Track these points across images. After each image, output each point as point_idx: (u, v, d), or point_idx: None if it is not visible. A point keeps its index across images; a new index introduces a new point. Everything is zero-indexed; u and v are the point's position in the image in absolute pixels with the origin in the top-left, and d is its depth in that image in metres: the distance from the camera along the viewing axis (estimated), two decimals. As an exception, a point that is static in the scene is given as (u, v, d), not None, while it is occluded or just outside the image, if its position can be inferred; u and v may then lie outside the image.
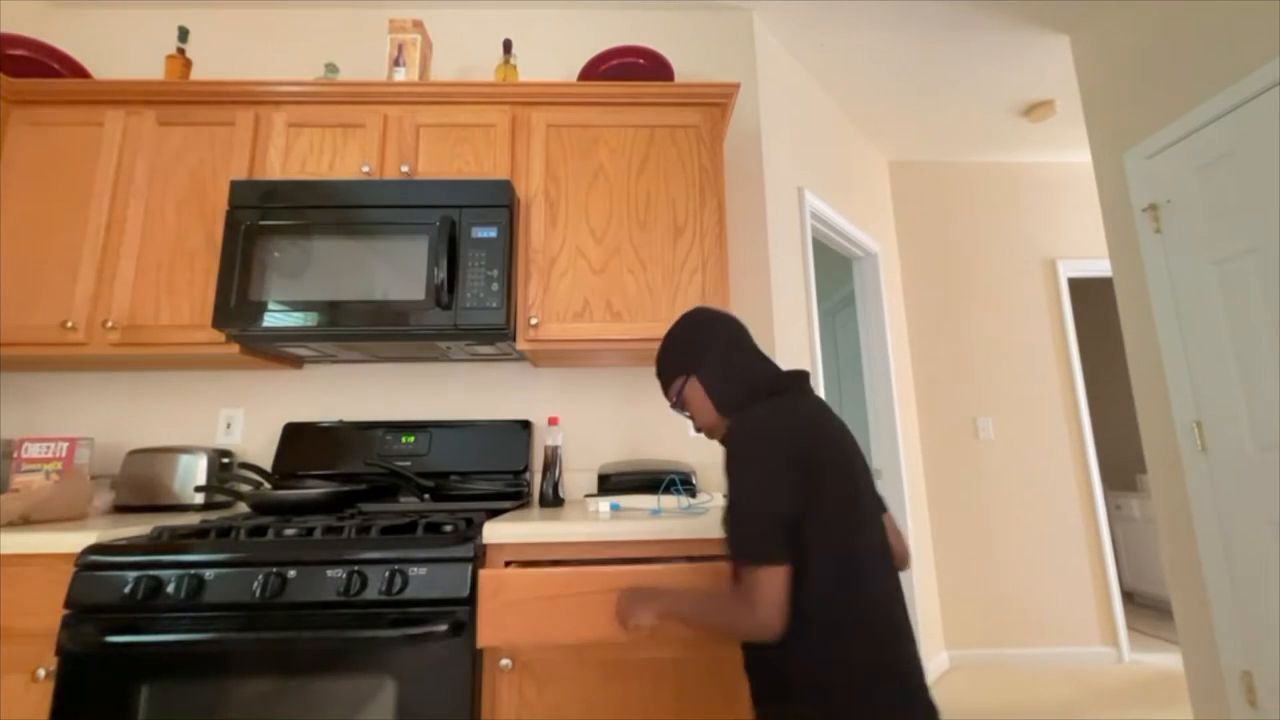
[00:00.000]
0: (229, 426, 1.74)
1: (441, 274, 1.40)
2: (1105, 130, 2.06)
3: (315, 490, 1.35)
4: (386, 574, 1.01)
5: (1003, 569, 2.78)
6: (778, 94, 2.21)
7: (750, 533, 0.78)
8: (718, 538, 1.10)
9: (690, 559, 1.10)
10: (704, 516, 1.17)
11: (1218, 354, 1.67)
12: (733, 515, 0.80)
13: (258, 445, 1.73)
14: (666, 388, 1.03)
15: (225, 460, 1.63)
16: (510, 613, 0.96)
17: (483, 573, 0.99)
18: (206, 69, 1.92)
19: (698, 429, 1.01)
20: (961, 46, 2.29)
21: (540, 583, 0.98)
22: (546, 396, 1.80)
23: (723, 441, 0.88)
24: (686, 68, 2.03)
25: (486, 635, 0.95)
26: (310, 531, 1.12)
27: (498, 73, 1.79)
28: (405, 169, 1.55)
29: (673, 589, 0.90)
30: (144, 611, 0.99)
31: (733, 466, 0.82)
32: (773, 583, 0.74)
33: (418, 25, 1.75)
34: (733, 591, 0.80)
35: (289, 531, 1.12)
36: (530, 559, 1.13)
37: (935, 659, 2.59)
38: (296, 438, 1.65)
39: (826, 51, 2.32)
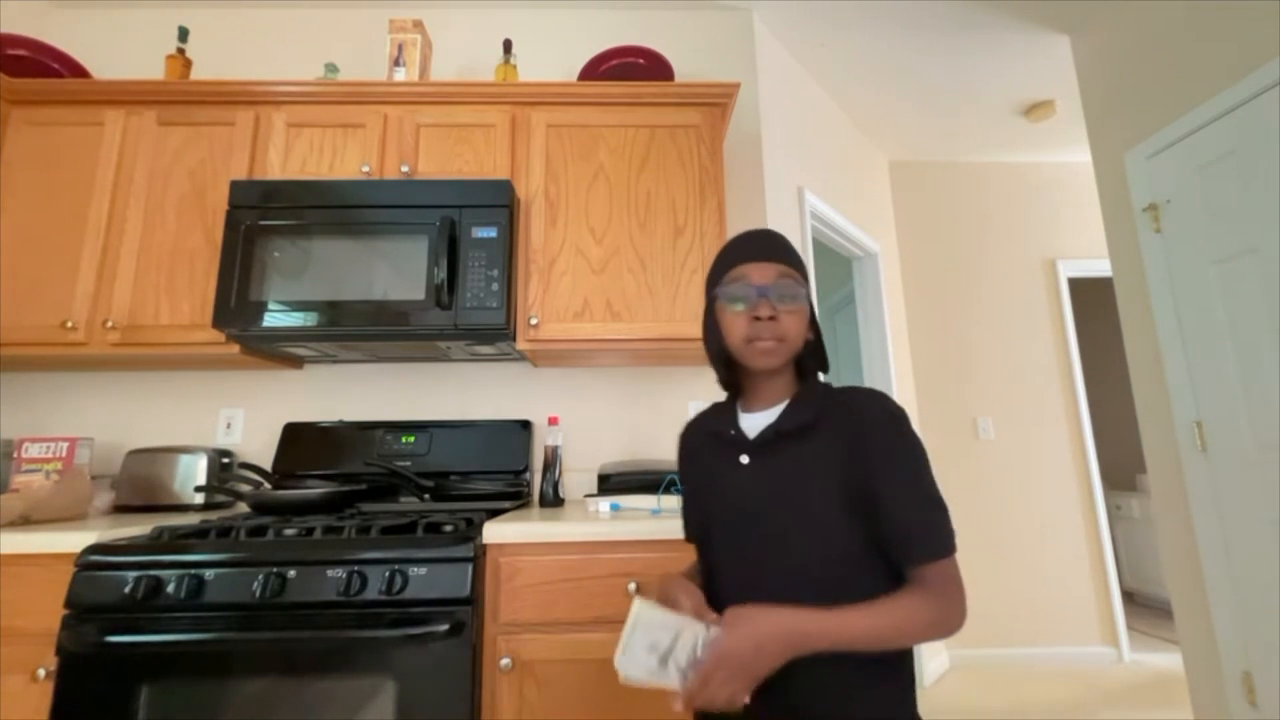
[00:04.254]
0: (229, 426, 1.74)
1: (441, 274, 1.40)
2: (1105, 130, 2.06)
3: (315, 490, 1.35)
4: (386, 574, 1.01)
5: (1003, 569, 2.78)
6: (778, 94, 2.21)
7: (948, 521, 0.68)
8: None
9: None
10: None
11: (1218, 354, 1.67)
12: (929, 501, 0.68)
13: (258, 445, 1.73)
14: (796, 273, 0.77)
15: (225, 460, 1.63)
16: (522, 595, 1.12)
17: (501, 560, 1.13)
18: (206, 69, 1.92)
19: (751, 341, 0.73)
20: (962, 46, 2.29)
21: (548, 569, 1.13)
22: (546, 396, 1.80)
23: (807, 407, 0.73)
24: (686, 68, 2.03)
25: (505, 614, 1.11)
26: (310, 531, 1.12)
27: (498, 73, 1.80)
28: (405, 169, 1.55)
29: (829, 617, 0.62)
30: (144, 611, 0.99)
31: (915, 449, 0.70)
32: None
33: (418, 25, 1.75)
34: (936, 591, 0.65)
35: (289, 531, 1.12)
36: (531, 559, 1.14)
37: (935, 659, 2.59)
38: (296, 438, 1.65)
39: (826, 51, 2.32)
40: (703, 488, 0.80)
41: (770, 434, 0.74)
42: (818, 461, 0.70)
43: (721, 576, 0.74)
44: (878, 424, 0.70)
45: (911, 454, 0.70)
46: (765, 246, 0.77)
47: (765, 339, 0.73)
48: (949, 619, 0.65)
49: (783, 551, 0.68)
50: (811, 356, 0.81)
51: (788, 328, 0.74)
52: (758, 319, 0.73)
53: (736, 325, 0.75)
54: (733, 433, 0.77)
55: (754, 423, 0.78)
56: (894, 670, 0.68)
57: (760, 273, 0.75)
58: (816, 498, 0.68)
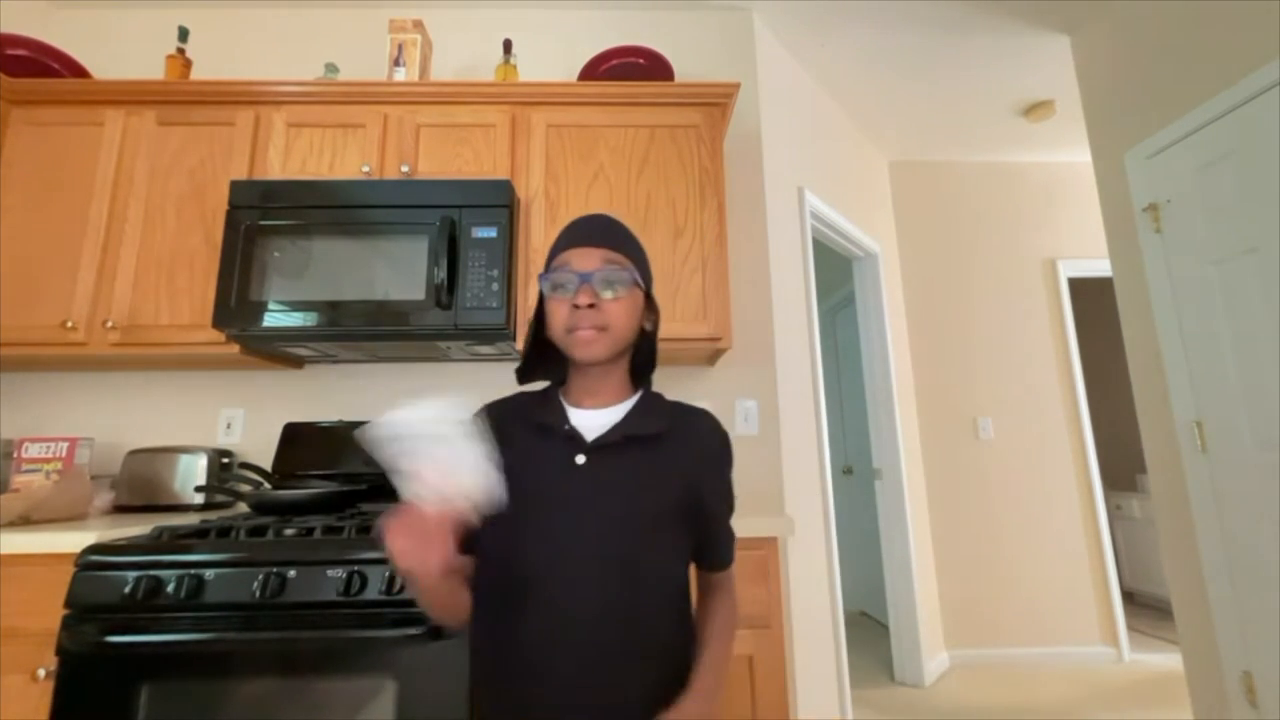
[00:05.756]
0: (229, 426, 1.74)
1: (441, 274, 1.40)
2: (1105, 130, 2.06)
3: (315, 490, 1.35)
4: (387, 574, 1.02)
5: (1003, 569, 2.78)
6: (778, 94, 2.20)
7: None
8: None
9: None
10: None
11: (1218, 354, 1.67)
12: (727, 516, 0.80)
13: (258, 445, 1.73)
14: (625, 258, 0.74)
15: (225, 460, 1.63)
16: None
17: None
18: (206, 69, 1.92)
19: (572, 330, 0.71)
20: (962, 46, 2.29)
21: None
22: (546, 396, 1.79)
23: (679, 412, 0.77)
24: (686, 68, 2.03)
25: None
26: (310, 531, 1.12)
27: (498, 73, 1.80)
28: (405, 169, 1.55)
29: (708, 665, 0.70)
30: (144, 611, 0.99)
31: (730, 467, 0.79)
32: None
33: (418, 25, 1.75)
34: (725, 593, 0.79)
35: (289, 531, 1.12)
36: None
37: (935, 659, 2.59)
38: (296, 437, 1.65)
39: (827, 51, 2.32)
40: (513, 486, 0.66)
41: (617, 437, 0.71)
42: (661, 471, 0.72)
43: (512, 568, 0.67)
44: (718, 448, 0.78)
45: (730, 470, 0.79)
46: (592, 232, 0.74)
47: (584, 327, 0.70)
48: (737, 609, 0.80)
49: (609, 550, 0.67)
50: (644, 353, 0.79)
51: (610, 316, 0.71)
52: (577, 307, 0.70)
53: (558, 313, 0.72)
54: (566, 428, 0.72)
55: (588, 421, 0.74)
56: None
57: (583, 259, 0.71)
58: (656, 502, 0.70)
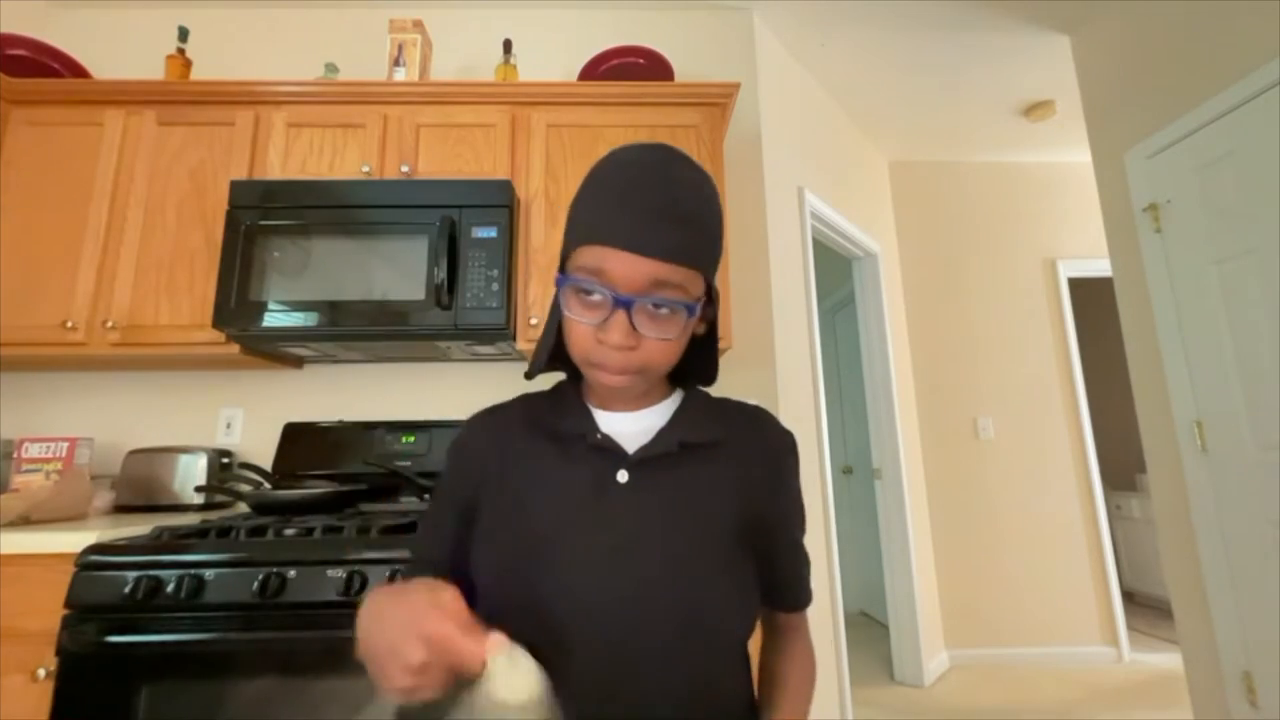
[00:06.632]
0: (229, 426, 1.74)
1: (441, 274, 1.40)
2: (1105, 130, 2.06)
3: (315, 490, 1.35)
4: (387, 574, 1.02)
5: (1003, 569, 2.78)
6: (778, 94, 2.20)
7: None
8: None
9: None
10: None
11: (1218, 354, 1.67)
12: (800, 541, 0.63)
13: (258, 445, 1.72)
14: (689, 269, 0.50)
15: (225, 460, 1.63)
16: None
17: None
18: (206, 69, 1.92)
19: (593, 367, 0.52)
20: (962, 46, 2.29)
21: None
22: (546, 396, 1.79)
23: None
24: (686, 67, 2.03)
25: None
26: (310, 531, 1.12)
27: (498, 73, 1.79)
28: (405, 169, 1.55)
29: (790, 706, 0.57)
30: (144, 611, 0.99)
31: (797, 477, 0.62)
32: None
33: (418, 25, 1.75)
34: (806, 641, 0.63)
35: (289, 531, 1.12)
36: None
37: (935, 659, 2.60)
38: (296, 438, 1.65)
39: (827, 51, 2.31)
40: (535, 512, 0.54)
41: (669, 445, 0.54)
42: (722, 488, 0.55)
43: (539, 627, 0.47)
44: (785, 457, 0.61)
45: (799, 483, 0.62)
46: (650, 226, 0.47)
47: (610, 370, 0.51)
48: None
49: (668, 597, 0.49)
50: (696, 353, 0.60)
51: (649, 358, 0.51)
52: (603, 342, 0.49)
53: (577, 332, 0.51)
54: (599, 437, 0.55)
55: (622, 426, 0.57)
56: None
57: (627, 269, 0.47)
58: (718, 531, 0.53)
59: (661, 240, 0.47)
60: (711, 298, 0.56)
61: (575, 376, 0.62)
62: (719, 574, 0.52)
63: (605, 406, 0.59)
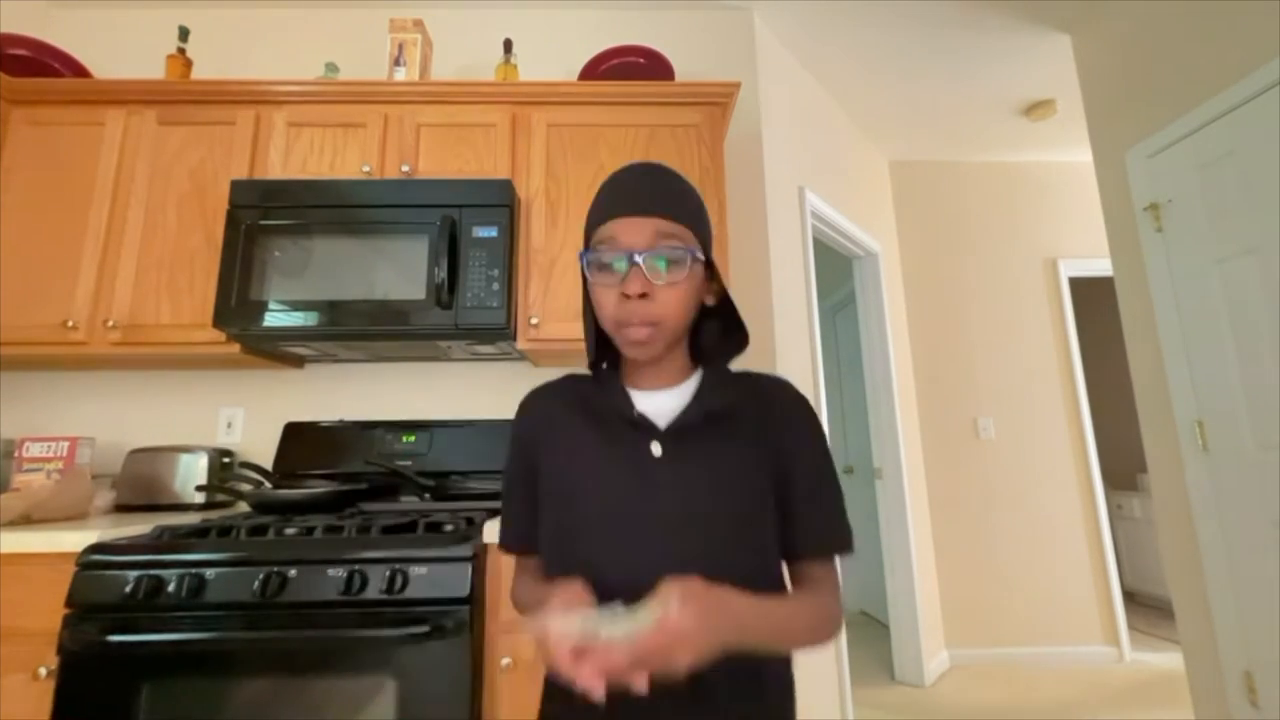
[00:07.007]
0: (229, 426, 1.74)
1: (442, 274, 1.40)
2: (1106, 129, 2.05)
3: (316, 489, 1.35)
4: (387, 573, 1.02)
5: (1003, 569, 2.78)
6: (778, 93, 2.20)
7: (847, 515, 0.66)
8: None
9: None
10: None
11: (1219, 353, 1.67)
12: (837, 496, 0.65)
13: (258, 444, 1.73)
14: (683, 226, 0.60)
15: (226, 459, 1.63)
16: None
17: (502, 560, 1.13)
18: (207, 69, 1.92)
19: (621, 326, 0.60)
20: (962, 46, 2.29)
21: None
22: (547, 396, 1.79)
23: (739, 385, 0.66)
24: (687, 67, 2.03)
25: (505, 613, 1.12)
26: (311, 531, 1.12)
27: (498, 72, 1.79)
28: (405, 169, 1.55)
29: (755, 612, 0.54)
30: (145, 611, 0.99)
31: (824, 436, 0.68)
32: None
33: (418, 25, 1.75)
34: (826, 588, 0.63)
35: (289, 531, 1.12)
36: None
37: (935, 659, 2.59)
38: (297, 437, 1.65)
39: (827, 51, 2.31)
40: (579, 483, 0.62)
41: (695, 417, 0.61)
42: (746, 451, 0.62)
43: (595, 589, 0.54)
44: (799, 411, 0.67)
45: (823, 441, 0.67)
46: (642, 193, 0.59)
47: (635, 324, 0.59)
48: (839, 618, 0.62)
49: (702, 554, 0.57)
50: (717, 322, 0.68)
51: (667, 307, 0.59)
52: (627, 296, 0.58)
53: (606, 303, 0.60)
54: (635, 414, 0.62)
55: (656, 404, 0.64)
56: (789, 671, 0.64)
57: (632, 231, 0.58)
58: (748, 493, 0.61)
59: (657, 202, 0.59)
60: (711, 267, 0.64)
61: (614, 365, 0.70)
62: (748, 530, 0.59)
63: (637, 386, 0.67)
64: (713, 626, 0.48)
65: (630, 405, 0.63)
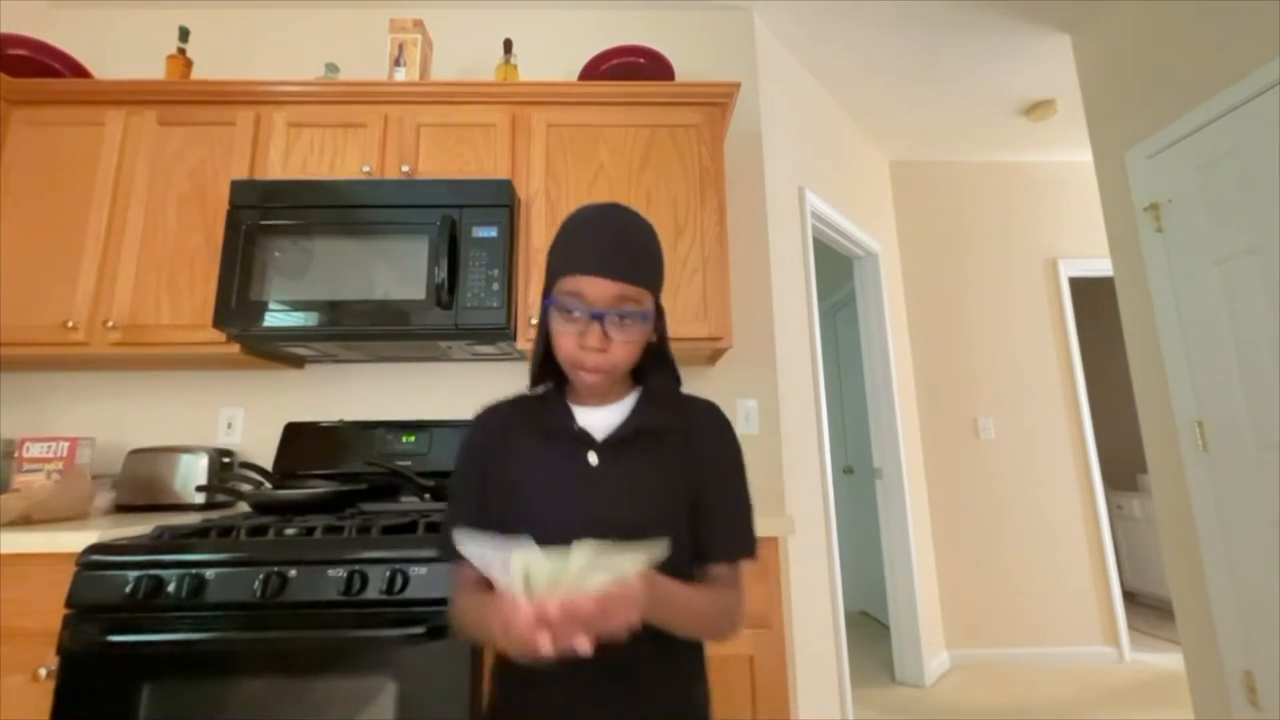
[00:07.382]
0: (230, 426, 1.74)
1: (442, 274, 1.40)
2: (1107, 129, 2.05)
3: (316, 490, 1.35)
4: (387, 573, 1.01)
5: (1003, 569, 2.78)
6: (778, 93, 2.20)
7: (754, 527, 0.75)
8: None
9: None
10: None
11: (1219, 353, 1.67)
12: (746, 505, 0.74)
13: (258, 445, 1.73)
14: (642, 289, 0.68)
15: (226, 460, 1.63)
16: None
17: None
18: (207, 69, 1.92)
19: (576, 368, 0.68)
20: (962, 45, 2.29)
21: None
22: (547, 396, 1.79)
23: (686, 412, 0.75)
24: (687, 67, 2.03)
25: None
26: (311, 531, 1.12)
27: (498, 72, 1.79)
28: (406, 169, 1.55)
29: (678, 595, 0.64)
30: (145, 611, 0.99)
31: (739, 454, 0.76)
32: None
33: (418, 25, 1.75)
34: (730, 589, 0.71)
35: (290, 531, 1.12)
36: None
37: (935, 659, 2.59)
38: (297, 437, 1.65)
39: (827, 51, 2.31)
40: (523, 485, 0.70)
41: (628, 430, 0.70)
42: (671, 462, 0.71)
43: None
44: (719, 431, 0.75)
45: (739, 458, 0.75)
46: (610, 257, 0.65)
47: (589, 369, 0.67)
48: (740, 617, 0.71)
49: None
50: (652, 359, 0.76)
51: (618, 358, 0.67)
52: (584, 347, 0.66)
53: (564, 343, 0.68)
54: (576, 428, 0.70)
55: (596, 419, 0.72)
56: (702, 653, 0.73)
57: (597, 291, 0.65)
58: (671, 500, 0.69)
59: (620, 266, 0.65)
60: (659, 312, 0.73)
61: (559, 384, 0.77)
62: (666, 535, 0.61)
63: (581, 403, 0.74)
64: (656, 596, 0.56)
65: (572, 420, 0.71)
